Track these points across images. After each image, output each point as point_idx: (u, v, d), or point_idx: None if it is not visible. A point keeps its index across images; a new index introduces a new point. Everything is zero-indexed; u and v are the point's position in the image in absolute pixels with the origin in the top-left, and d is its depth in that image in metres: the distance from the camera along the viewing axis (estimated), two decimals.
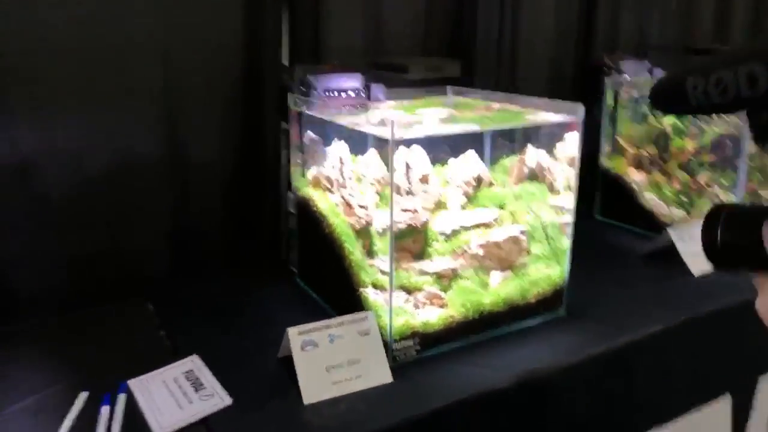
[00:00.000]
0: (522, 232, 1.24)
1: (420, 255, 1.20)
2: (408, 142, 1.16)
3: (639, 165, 1.74)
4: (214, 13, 1.41)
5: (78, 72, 1.28)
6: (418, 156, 1.25)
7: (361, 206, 1.16)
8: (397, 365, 1.07)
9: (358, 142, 1.22)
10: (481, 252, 1.20)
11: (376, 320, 1.08)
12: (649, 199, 1.70)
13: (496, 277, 1.21)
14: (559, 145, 1.32)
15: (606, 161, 1.80)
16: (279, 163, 1.47)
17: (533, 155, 1.34)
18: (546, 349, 1.15)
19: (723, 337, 1.33)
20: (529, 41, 1.87)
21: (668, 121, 1.66)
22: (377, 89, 1.37)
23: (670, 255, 1.48)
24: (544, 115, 1.26)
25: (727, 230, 0.66)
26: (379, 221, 1.12)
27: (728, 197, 1.56)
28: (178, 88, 1.40)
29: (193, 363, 1.08)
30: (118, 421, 0.94)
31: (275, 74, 1.48)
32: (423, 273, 1.16)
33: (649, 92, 0.67)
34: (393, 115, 1.30)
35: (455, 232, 1.21)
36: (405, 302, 1.12)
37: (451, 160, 1.32)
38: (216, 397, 0.99)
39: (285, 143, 1.42)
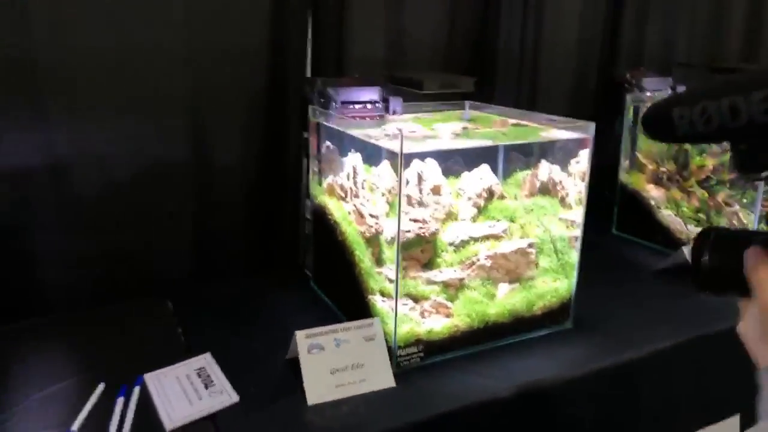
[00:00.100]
0: (530, 245, 1.26)
1: (429, 264, 1.23)
2: (417, 156, 1.19)
3: (657, 181, 1.74)
4: (240, 25, 1.46)
5: (110, 80, 1.34)
6: (431, 168, 1.28)
7: (372, 215, 1.20)
8: (400, 371, 1.10)
9: (373, 154, 1.26)
10: (489, 263, 1.22)
11: (382, 327, 1.11)
12: (666, 215, 1.70)
13: (503, 288, 1.23)
14: (573, 160, 1.34)
15: (625, 176, 1.80)
16: (300, 171, 1.52)
17: (546, 170, 1.36)
18: (549, 361, 1.17)
19: (733, 357, 1.31)
20: (551, 54, 1.88)
21: None
22: (395, 102, 1.41)
23: (685, 273, 1.47)
24: (556, 132, 1.28)
25: (713, 254, 0.68)
26: (388, 230, 1.16)
27: (747, 216, 1.55)
28: (204, 97, 1.45)
29: (206, 361, 1.13)
30: (131, 413, 0.99)
31: (298, 85, 1.53)
32: (430, 282, 1.19)
33: (641, 119, 0.70)
34: (409, 128, 1.34)
35: (464, 243, 1.24)
36: (411, 310, 1.15)
37: (465, 173, 1.35)
38: (224, 395, 1.03)
39: (306, 152, 1.46)
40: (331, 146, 1.35)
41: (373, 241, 1.19)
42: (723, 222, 1.57)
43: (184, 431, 0.97)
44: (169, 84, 1.41)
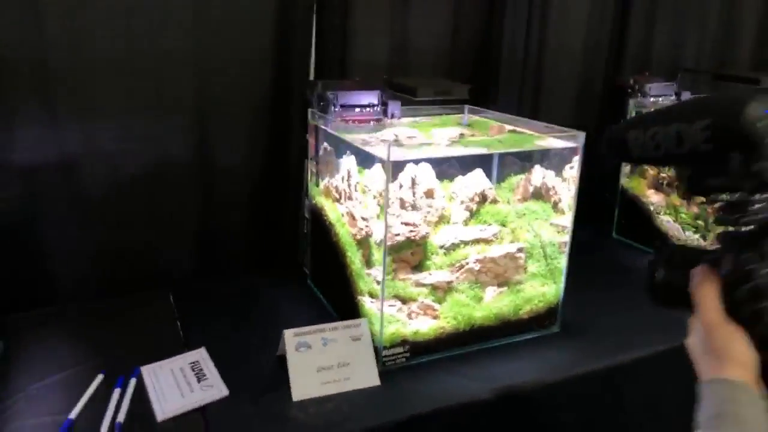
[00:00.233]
0: (520, 250, 1.28)
1: (419, 266, 1.26)
2: (406, 163, 1.22)
3: (658, 186, 1.75)
4: (245, 29, 1.50)
5: (119, 81, 1.39)
6: (425, 171, 1.31)
7: (363, 218, 1.23)
8: (386, 370, 1.14)
9: (367, 157, 1.29)
10: (477, 267, 1.25)
11: (369, 327, 1.15)
12: (665, 221, 1.70)
13: (491, 292, 1.26)
14: (568, 166, 1.35)
15: (626, 181, 1.81)
16: (302, 171, 1.56)
17: (539, 175, 1.38)
18: (532, 365, 1.19)
19: None
20: (556, 58, 1.88)
21: None
22: (394, 106, 1.44)
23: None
24: (550, 140, 1.30)
25: (666, 269, 0.70)
26: (378, 233, 1.19)
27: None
28: (209, 98, 1.49)
29: (200, 355, 1.18)
30: (126, 403, 1.04)
31: (302, 87, 1.57)
32: (419, 284, 1.22)
33: (602, 140, 0.72)
34: (406, 133, 1.37)
35: (454, 246, 1.27)
36: (398, 311, 1.19)
37: (459, 177, 1.38)
38: (215, 388, 1.08)
39: (308, 153, 1.50)
40: (329, 148, 1.38)
41: (363, 243, 1.23)
42: (720, 230, 1.57)
43: (175, 422, 1.02)
44: (175, 85, 1.45)
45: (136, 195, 1.47)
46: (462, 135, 1.40)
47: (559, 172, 1.36)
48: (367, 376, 1.11)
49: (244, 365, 1.17)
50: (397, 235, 1.20)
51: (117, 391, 1.07)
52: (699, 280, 0.64)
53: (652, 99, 1.78)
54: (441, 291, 1.23)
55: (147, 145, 1.45)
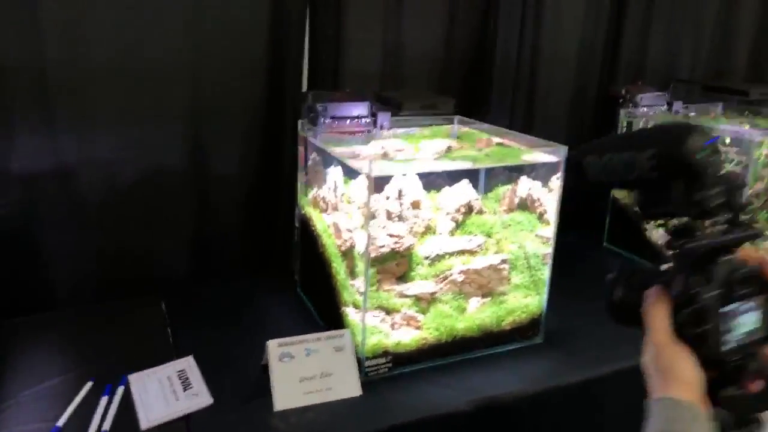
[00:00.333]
0: (503, 261, 1.30)
1: (404, 277, 1.28)
2: (386, 179, 1.24)
3: None
4: (239, 39, 1.52)
5: (115, 91, 1.42)
6: (412, 183, 1.33)
7: (348, 229, 1.25)
8: (368, 380, 1.16)
9: (352, 168, 1.31)
10: (461, 278, 1.27)
11: (352, 338, 1.17)
12: (654, 230, 1.71)
13: (474, 303, 1.28)
14: (554, 177, 1.37)
15: (616, 190, 1.82)
16: (295, 179, 1.58)
17: (525, 186, 1.39)
18: (514, 376, 1.21)
19: None
20: (550, 67, 1.89)
21: None
22: (383, 117, 1.45)
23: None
24: (536, 153, 1.32)
25: (623, 289, 0.73)
26: (361, 245, 1.21)
27: None
28: (204, 107, 1.52)
29: (188, 363, 1.20)
30: (113, 412, 1.07)
31: (295, 96, 1.59)
32: (403, 295, 1.24)
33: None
34: (395, 145, 1.39)
35: (439, 257, 1.29)
36: (381, 322, 1.21)
37: (446, 188, 1.39)
38: (200, 397, 1.11)
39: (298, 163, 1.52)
40: (317, 158, 1.40)
41: (348, 254, 1.25)
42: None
43: (159, 431, 1.04)
44: (171, 94, 1.48)
45: (132, 202, 1.50)
46: (450, 148, 1.42)
47: (545, 182, 1.37)
48: (349, 387, 1.13)
49: (230, 373, 1.19)
50: (382, 246, 1.22)
51: (104, 399, 1.09)
52: (651, 300, 0.66)
53: (644, 109, 1.79)
54: (425, 302, 1.25)
55: (143, 153, 1.49)
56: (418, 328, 1.22)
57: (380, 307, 1.22)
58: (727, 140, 1.56)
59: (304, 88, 1.65)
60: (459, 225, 1.35)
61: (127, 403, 1.10)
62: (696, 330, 0.61)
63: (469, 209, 1.37)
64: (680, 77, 2.02)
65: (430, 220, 1.33)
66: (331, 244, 1.28)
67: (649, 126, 1.69)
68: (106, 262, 1.50)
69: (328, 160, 1.34)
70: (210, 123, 1.54)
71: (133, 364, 1.19)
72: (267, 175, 1.63)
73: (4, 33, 1.29)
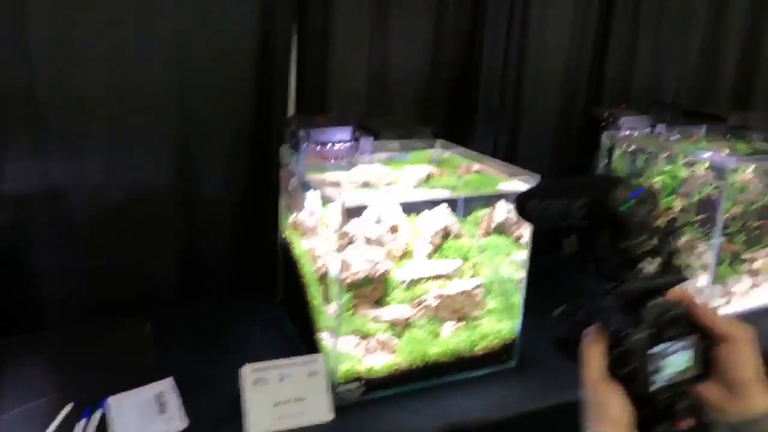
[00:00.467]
0: (477, 286, 1.32)
1: (380, 302, 1.30)
2: (358, 210, 1.27)
3: None
4: (227, 63, 1.56)
5: (104, 114, 1.46)
6: (391, 207, 1.35)
7: (323, 255, 1.28)
8: (341, 405, 1.19)
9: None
10: (435, 303, 1.29)
11: (326, 363, 1.19)
12: None
13: (449, 327, 1.30)
14: None
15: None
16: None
17: (503, 209, 1.42)
18: (485, 401, 1.23)
19: None
20: (535, 88, 1.92)
21: (659, 177, 1.68)
22: (366, 142, 1.48)
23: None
24: (512, 181, 1.34)
25: (570, 326, 0.75)
26: (334, 270, 1.24)
27: (708, 257, 1.57)
28: (192, 130, 1.56)
29: (166, 385, 1.23)
30: None
31: (281, 119, 1.62)
32: (378, 320, 1.27)
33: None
34: (375, 172, 1.41)
35: (414, 282, 1.31)
36: (356, 347, 1.23)
37: (425, 212, 1.42)
38: (174, 421, 1.13)
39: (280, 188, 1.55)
40: (297, 183, 1.43)
41: (324, 279, 1.28)
42: (686, 263, 1.60)
43: None
44: (159, 117, 1.52)
45: (120, 223, 1.53)
46: (430, 175, 1.44)
47: None
48: (321, 412, 1.16)
49: (208, 396, 1.22)
50: (357, 272, 1.25)
51: (83, 422, 1.13)
52: (589, 338, 0.68)
53: (627, 132, 1.80)
54: (399, 327, 1.27)
55: (131, 175, 1.52)
56: (392, 352, 1.25)
57: (356, 332, 1.25)
58: (706, 165, 1.58)
59: (292, 109, 1.68)
60: (437, 249, 1.38)
61: (104, 426, 1.13)
62: (623, 370, 0.64)
63: (446, 233, 1.39)
64: (666, 99, 2.04)
65: (407, 244, 1.36)
66: (308, 269, 1.31)
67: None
68: (94, 282, 1.53)
69: (306, 185, 1.37)
70: (198, 145, 1.58)
71: (115, 386, 1.21)
72: (254, 198, 1.66)
73: None
